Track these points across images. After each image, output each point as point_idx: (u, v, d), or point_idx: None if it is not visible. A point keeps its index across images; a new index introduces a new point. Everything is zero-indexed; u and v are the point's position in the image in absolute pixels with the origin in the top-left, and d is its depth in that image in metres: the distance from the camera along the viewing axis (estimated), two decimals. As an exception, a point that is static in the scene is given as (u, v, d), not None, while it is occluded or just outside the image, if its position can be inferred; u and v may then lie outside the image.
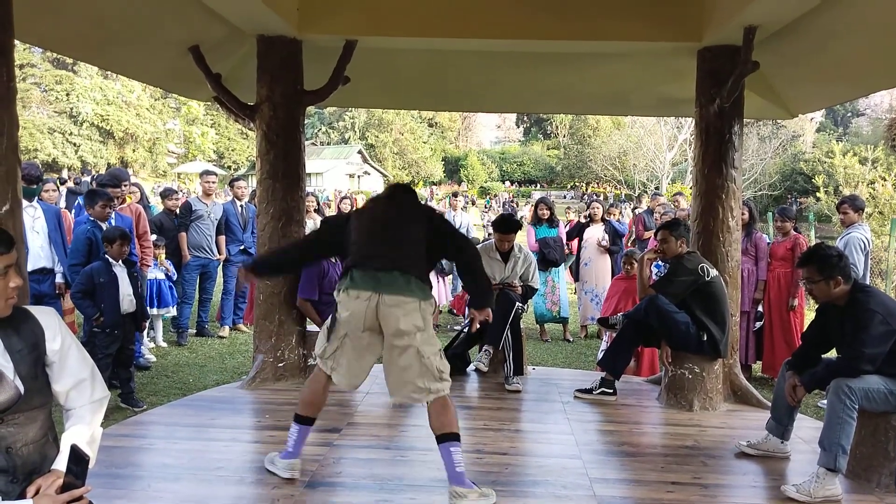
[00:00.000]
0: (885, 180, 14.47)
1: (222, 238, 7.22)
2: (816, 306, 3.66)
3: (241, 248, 7.37)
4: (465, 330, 5.46)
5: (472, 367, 5.37)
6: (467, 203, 17.64)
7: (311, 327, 5.20)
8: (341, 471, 3.39)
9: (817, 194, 16.71)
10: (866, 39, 4.21)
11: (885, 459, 3.32)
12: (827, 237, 15.26)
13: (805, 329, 3.85)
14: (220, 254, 7.19)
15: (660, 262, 5.34)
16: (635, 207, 18.09)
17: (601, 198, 22.23)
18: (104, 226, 5.06)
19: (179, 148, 37.78)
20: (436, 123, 56.39)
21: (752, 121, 23.31)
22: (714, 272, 4.50)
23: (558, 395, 4.81)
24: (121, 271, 4.70)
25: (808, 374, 3.51)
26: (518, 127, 71.96)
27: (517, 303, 5.09)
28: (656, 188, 28.48)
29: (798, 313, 6.10)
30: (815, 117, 36.80)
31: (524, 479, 3.35)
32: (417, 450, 3.70)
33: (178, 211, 7.06)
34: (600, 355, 5.61)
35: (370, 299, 2.99)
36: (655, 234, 5.12)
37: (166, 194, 7.32)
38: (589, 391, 4.77)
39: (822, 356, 3.64)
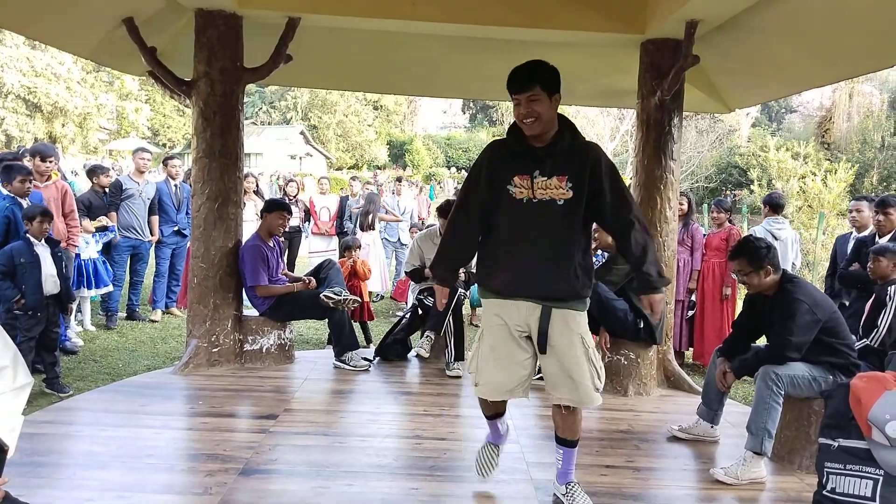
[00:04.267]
0: (815, 175, 15.09)
1: (155, 218, 6.96)
2: (745, 295, 3.78)
3: (175, 228, 7.14)
4: (408, 316, 5.44)
5: (413, 352, 5.35)
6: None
7: (248, 312, 5.09)
8: (277, 458, 3.33)
9: (751, 187, 17.29)
10: (800, 39, 4.35)
11: (806, 442, 3.47)
12: (758, 229, 15.80)
13: (736, 317, 3.98)
14: (152, 235, 6.94)
15: (599, 253, 5.42)
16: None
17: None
18: (24, 203, 4.80)
19: (112, 124, 36.27)
20: (381, 106, 55.84)
21: (690, 114, 23.93)
22: None
23: (498, 381, 4.84)
24: (43, 251, 4.48)
25: (738, 361, 3.63)
26: (464, 113, 71.94)
27: (459, 289, 5.09)
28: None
29: (730, 302, 6.30)
30: (751, 112, 38.00)
31: (462, 464, 3.36)
32: (356, 436, 3.66)
33: (107, 189, 6.78)
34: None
35: None
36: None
37: (95, 171, 6.99)
38: (528, 377, 4.81)
39: (752, 344, 3.77)
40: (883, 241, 4.61)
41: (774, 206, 6.49)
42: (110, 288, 6.41)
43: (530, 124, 2.64)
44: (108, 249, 6.65)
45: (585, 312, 2.82)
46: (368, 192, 9.38)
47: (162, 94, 6.06)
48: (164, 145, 40.00)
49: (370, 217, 8.41)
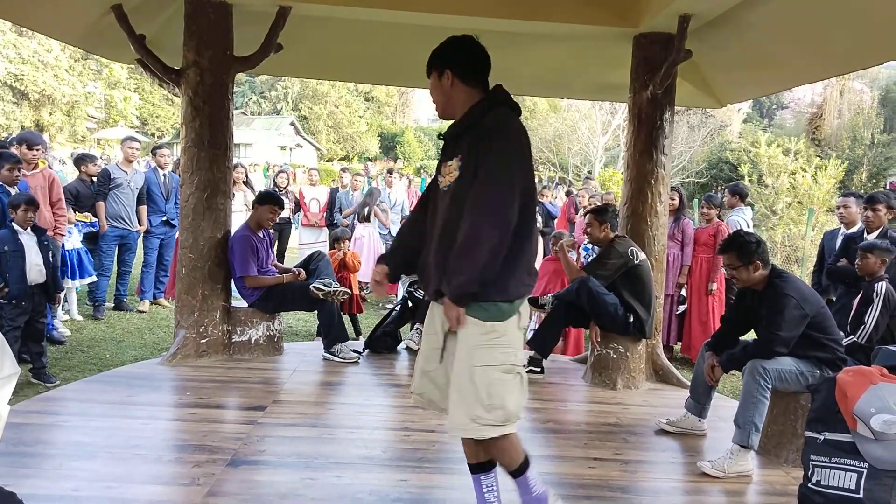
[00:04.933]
0: (806, 171, 15.15)
1: (143, 208, 6.92)
2: (737, 290, 3.80)
3: (164, 219, 7.09)
4: (397, 308, 5.44)
5: (403, 345, 5.35)
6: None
7: (237, 303, 5.06)
8: (265, 449, 3.32)
9: (742, 183, 17.36)
10: (792, 35, 4.37)
11: (793, 436, 3.49)
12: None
13: (724, 312, 4.00)
14: (140, 225, 6.89)
15: (588, 246, 5.44)
16: (569, 191, 18.37)
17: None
18: (13, 190, 4.75)
19: (100, 112, 35.95)
20: (372, 98, 55.62)
21: (682, 109, 24.00)
22: (642, 255, 4.62)
23: (487, 374, 4.84)
24: (29, 239, 4.43)
25: (726, 356, 3.65)
26: (456, 105, 71.80)
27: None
28: (589, 172, 29.00)
29: (717, 297, 6.33)
30: (742, 108, 38.19)
31: (451, 456, 3.36)
32: (344, 427, 3.66)
33: (95, 178, 6.72)
34: (529, 335, 5.69)
35: None
36: (575, 222, 5.24)
37: (82, 160, 6.93)
38: (517, 370, 4.82)
39: (740, 338, 3.79)
40: (871, 237, 4.64)
41: (743, 195, 6.73)
42: (94, 278, 6.37)
43: (438, 111, 2.49)
44: (95, 239, 6.60)
45: (491, 323, 2.27)
46: (372, 187, 9.41)
47: (151, 82, 6.00)
48: (153, 135, 39.71)
49: (367, 209, 8.41)
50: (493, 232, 2.18)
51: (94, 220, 6.50)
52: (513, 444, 2.38)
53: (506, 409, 2.26)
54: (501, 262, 2.23)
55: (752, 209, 6.67)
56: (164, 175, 7.22)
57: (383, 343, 5.28)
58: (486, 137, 2.26)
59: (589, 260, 5.58)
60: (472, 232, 2.19)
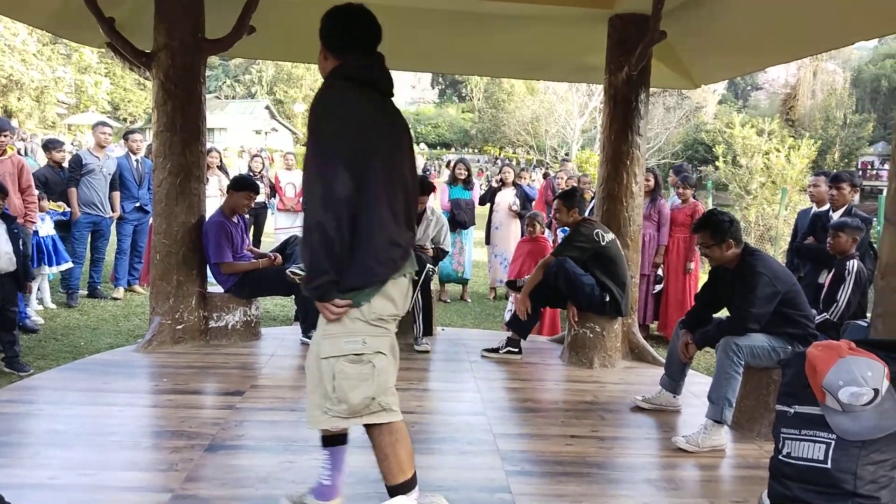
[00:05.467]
0: (779, 151, 15.32)
1: (116, 194, 6.82)
2: (710, 268, 3.85)
3: (137, 204, 7.00)
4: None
5: (380, 328, 5.34)
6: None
7: (213, 288, 5.03)
8: (244, 434, 3.32)
9: (716, 163, 17.52)
10: (765, 16, 4.39)
11: (765, 411, 3.56)
12: (724, 204, 16.08)
13: (698, 290, 4.05)
14: (113, 211, 6.80)
15: (567, 228, 5.47)
16: (546, 173, 18.44)
17: (513, 162, 22.58)
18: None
19: (70, 98, 35.24)
20: (349, 81, 55.14)
21: (658, 91, 24.10)
22: (610, 236, 4.66)
23: (466, 355, 4.88)
24: (-1, 227, 4.35)
25: (700, 333, 3.70)
26: (433, 88, 71.47)
27: (428, 264, 5.09)
28: (566, 154, 29.09)
29: (693, 276, 6.42)
30: (717, 89, 38.46)
31: (431, 437, 3.39)
32: (323, 411, 3.66)
33: (65, 164, 6.61)
34: (507, 316, 5.73)
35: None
36: (552, 204, 5.26)
37: (51, 146, 6.80)
38: (495, 350, 4.86)
39: (714, 316, 3.85)
40: (836, 215, 4.72)
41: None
42: (70, 264, 6.28)
43: None
44: (67, 227, 6.50)
45: (343, 319, 2.17)
46: None
47: (122, 67, 5.88)
48: (125, 120, 39.06)
49: None
50: (319, 215, 2.04)
51: (66, 209, 6.40)
52: (393, 443, 2.24)
53: (349, 403, 2.15)
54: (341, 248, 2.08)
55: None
56: (137, 160, 7.11)
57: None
58: (309, 114, 2.14)
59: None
60: (304, 219, 2.09)
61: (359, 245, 2.11)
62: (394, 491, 2.21)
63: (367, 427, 2.24)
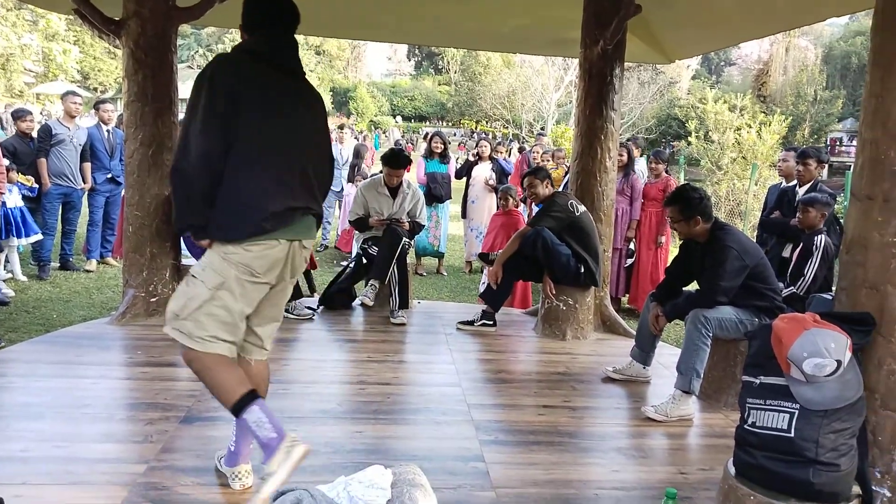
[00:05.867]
0: (751, 127, 15.48)
1: (87, 165, 6.70)
2: (680, 242, 3.91)
3: (108, 176, 6.89)
4: (352, 265, 5.44)
5: (357, 301, 5.37)
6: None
7: (187, 261, 4.99)
8: (219, 405, 3.31)
9: (689, 139, 17.67)
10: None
11: (732, 381, 3.66)
12: (695, 179, 16.26)
13: (669, 264, 4.12)
14: (84, 182, 6.68)
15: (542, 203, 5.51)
16: (521, 147, 18.43)
17: (489, 136, 22.53)
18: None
19: (38, 66, 34.25)
20: (323, 51, 54.27)
21: (633, 66, 24.12)
22: (582, 208, 4.74)
23: (441, 328, 4.92)
24: (-34, 198, 4.27)
25: (670, 306, 3.78)
26: (409, 60, 70.72)
27: (404, 238, 5.10)
28: (542, 128, 29.07)
29: (664, 250, 6.52)
30: (691, 64, 38.56)
31: (405, 408, 3.44)
32: (300, 382, 3.69)
33: (34, 135, 6.46)
34: (482, 288, 5.78)
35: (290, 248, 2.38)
36: (522, 183, 5.27)
37: (19, 115, 6.64)
38: (471, 323, 4.92)
39: (684, 289, 3.92)
40: (802, 190, 4.81)
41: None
42: (39, 236, 6.18)
43: None
44: (38, 199, 6.38)
45: (216, 244, 2.26)
46: (358, 144, 9.27)
47: (91, 35, 5.74)
48: (96, 89, 38.11)
49: (356, 169, 8.35)
50: (179, 163, 2.19)
51: (34, 185, 6.27)
52: (217, 371, 2.26)
53: (195, 322, 2.23)
54: (220, 199, 2.20)
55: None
56: (108, 131, 6.98)
57: (338, 300, 5.29)
58: None
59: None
60: (176, 184, 2.24)
61: (221, 202, 2.22)
62: (235, 411, 2.24)
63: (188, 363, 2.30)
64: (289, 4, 2.39)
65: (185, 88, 5.29)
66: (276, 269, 2.33)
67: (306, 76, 2.46)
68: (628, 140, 6.89)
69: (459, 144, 30.17)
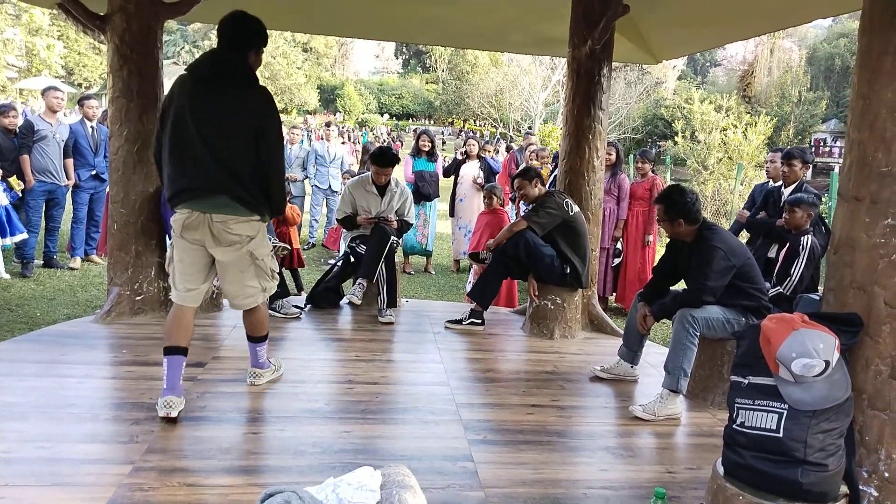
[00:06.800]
0: (736, 128, 15.59)
1: (70, 161, 6.62)
2: (668, 241, 3.93)
3: (93, 172, 6.81)
4: (339, 263, 5.41)
5: (345, 300, 5.34)
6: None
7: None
8: (206, 405, 3.30)
9: (675, 139, 17.76)
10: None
11: (719, 380, 3.68)
12: (682, 179, 16.35)
13: (656, 263, 4.13)
14: (68, 179, 6.60)
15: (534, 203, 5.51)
16: (509, 146, 18.42)
17: (477, 135, 22.50)
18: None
19: (21, 61, 33.79)
20: (311, 49, 54.07)
21: (620, 66, 24.19)
22: (576, 208, 4.73)
23: (430, 326, 4.91)
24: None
25: (658, 305, 3.79)
26: (397, 58, 70.63)
27: (392, 237, 5.09)
28: (529, 128, 29.12)
29: (651, 249, 6.54)
30: (677, 65, 38.79)
31: (394, 407, 3.42)
32: (287, 382, 3.66)
33: (17, 130, 6.38)
34: (468, 287, 5.77)
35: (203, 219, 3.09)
36: (511, 184, 5.27)
37: (1, 111, 6.53)
38: (459, 322, 4.91)
39: (671, 288, 3.93)
40: (787, 191, 4.84)
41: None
42: (25, 235, 6.11)
43: None
44: (22, 195, 6.30)
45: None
46: (367, 143, 9.24)
47: (75, 30, 5.67)
48: (80, 85, 37.70)
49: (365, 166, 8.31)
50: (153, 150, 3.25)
51: (18, 192, 6.17)
52: (173, 315, 3.22)
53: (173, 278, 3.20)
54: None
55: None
56: (92, 127, 6.91)
57: (326, 298, 5.26)
58: None
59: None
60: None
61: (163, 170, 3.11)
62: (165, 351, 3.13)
63: None
64: (226, 24, 3.13)
65: (170, 85, 5.24)
66: (179, 232, 3.11)
67: (235, 80, 3.04)
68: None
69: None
